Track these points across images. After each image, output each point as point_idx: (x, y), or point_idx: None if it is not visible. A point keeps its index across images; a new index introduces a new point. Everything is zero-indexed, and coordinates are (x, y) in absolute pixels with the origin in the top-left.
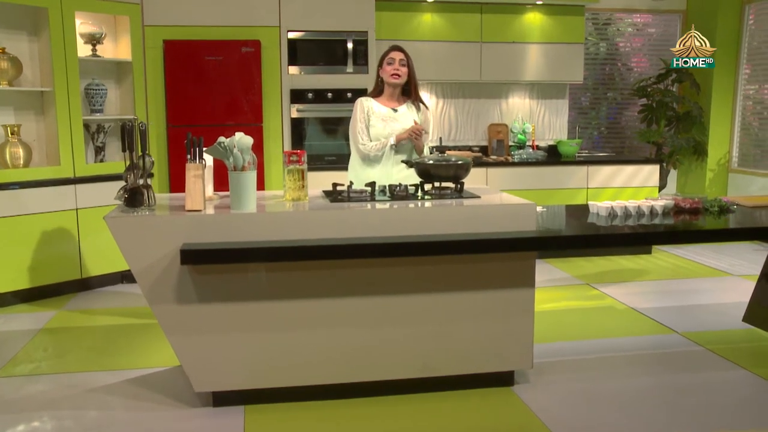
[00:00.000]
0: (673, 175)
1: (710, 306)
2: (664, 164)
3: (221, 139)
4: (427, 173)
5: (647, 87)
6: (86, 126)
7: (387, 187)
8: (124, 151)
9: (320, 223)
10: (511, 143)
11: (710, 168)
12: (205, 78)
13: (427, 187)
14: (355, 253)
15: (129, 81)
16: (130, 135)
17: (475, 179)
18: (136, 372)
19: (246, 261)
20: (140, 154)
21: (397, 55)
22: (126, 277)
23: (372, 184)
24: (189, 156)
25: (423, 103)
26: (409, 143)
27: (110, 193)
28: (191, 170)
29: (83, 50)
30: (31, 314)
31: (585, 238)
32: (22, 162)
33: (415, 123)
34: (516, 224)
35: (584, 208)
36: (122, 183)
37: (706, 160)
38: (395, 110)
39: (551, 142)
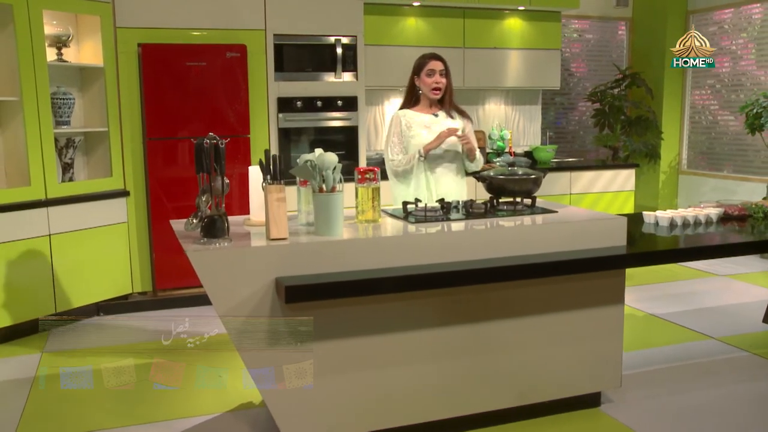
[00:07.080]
0: None
1: (722, 308)
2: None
3: (306, 156)
4: (500, 188)
5: (604, 91)
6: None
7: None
8: (198, 173)
9: (420, 247)
10: (489, 150)
11: (663, 170)
12: (186, 85)
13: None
14: (484, 277)
15: (98, 89)
16: (207, 155)
17: None
18: (183, 422)
19: (368, 294)
20: (215, 175)
21: (438, 66)
22: (102, 308)
23: (441, 201)
24: (268, 176)
25: (464, 113)
26: (447, 152)
27: (86, 215)
28: (273, 193)
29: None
30: (11, 359)
31: (697, 250)
32: None
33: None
34: (607, 239)
35: (636, 218)
36: (94, 203)
37: (659, 162)
38: (435, 115)
39: (527, 149)
